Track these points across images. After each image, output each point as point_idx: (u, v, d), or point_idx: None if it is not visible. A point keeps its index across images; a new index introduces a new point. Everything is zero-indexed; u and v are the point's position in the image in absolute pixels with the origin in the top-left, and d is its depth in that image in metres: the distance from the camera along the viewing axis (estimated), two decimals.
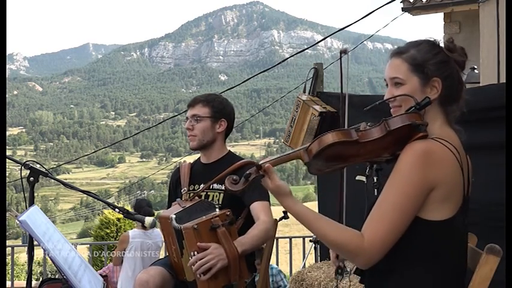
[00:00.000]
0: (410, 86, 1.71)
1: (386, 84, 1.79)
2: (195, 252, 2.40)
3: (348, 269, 2.26)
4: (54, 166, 68.26)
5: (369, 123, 1.68)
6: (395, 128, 1.61)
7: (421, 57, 1.72)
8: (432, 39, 1.78)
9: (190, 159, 3.10)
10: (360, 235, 1.60)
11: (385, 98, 1.77)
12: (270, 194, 1.80)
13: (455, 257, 1.69)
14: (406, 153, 1.61)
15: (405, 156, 1.61)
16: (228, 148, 2.96)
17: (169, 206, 2.93)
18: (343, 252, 1.66)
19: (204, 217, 2.47)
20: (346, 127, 1.77)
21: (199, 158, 2.97)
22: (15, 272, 9.05)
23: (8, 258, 7.13)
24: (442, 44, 1.77)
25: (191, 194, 2.77)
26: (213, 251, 2.39)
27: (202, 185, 2.79)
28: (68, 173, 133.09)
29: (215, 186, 2.75)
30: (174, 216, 2.50)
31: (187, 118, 2.86)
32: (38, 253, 7.22)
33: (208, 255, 2.37)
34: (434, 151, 1.61)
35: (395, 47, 1.85)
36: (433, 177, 1.58)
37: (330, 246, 1.67)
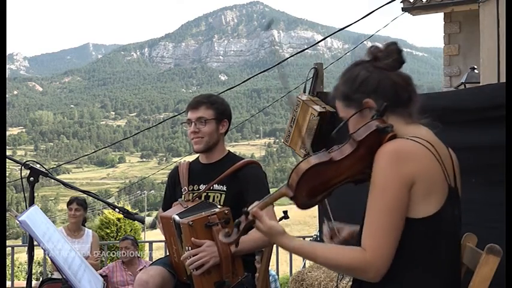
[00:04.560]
0: (352, 118, 1.76)
1: None
2: (189, 248, 2.44)
3: None
4: (54, 166, 68.28)
5: (339, 145, 1.71)
6: (363, 138, 1.63)
7: (347, 90, 1.77)
8: (356, 60, 1.81)
9: (191, 159, 3.08)
10: (361, 250, 1.60)
11: (342, 122, 1.80)
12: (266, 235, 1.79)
13: (449, 251, 1.68)
14: (377, 158, 1.62)
15: (377, 161, 1.62)
16: (228, 148, 2.96)
17: (165, 204, 2.94)
18: (351, 272, 1.66)
19: (203, 213, 2.49)
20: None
21: (197, 157, 2.95)
22: (15, 272, 9.05)
23: (8, 258, 7.12)
24: (368, 55, 1.78)
25: (192, 195, 2.76)
26: (205, 248, 2.42)
27: (202, 185, 2.78)
28: (68, 173, 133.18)
29: (216, 187, 2.74)
30: (176, 217, 2.51)
31: (189, 120, 2.81)
32: (38, 253, 7.21)
33: (200, 252, 2.41)
34: (403, 147, 1.62)
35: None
36: (408, 172, 1.59)
37: (336, 270, 1.68)
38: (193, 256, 2.41)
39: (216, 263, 2.41)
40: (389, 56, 1.75)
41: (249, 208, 1.75)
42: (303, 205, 1.71)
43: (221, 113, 2.81)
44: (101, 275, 3.51)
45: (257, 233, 2.55)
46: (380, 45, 1.78)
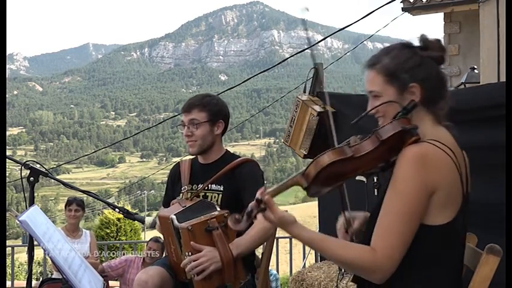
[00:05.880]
0: (387, 98, 1.69)
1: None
2: (189, 253, 2.41)
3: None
4: (54, 166, 68.23)
5: (358, 136, 1.68)
6: (387, 138, 1.60)
7: (394, 66, 1.69)
8: (405, 42, 1.75)
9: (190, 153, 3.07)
10: (371, 250, 1.58)
11: (367, 110, 1.76)
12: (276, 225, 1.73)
13: (456, 258, 1.68)
14: (401, 160, 1.59)
15: (401, 164, 1.59)
16: (228, 148, 2.95)
17: (165, 200, 2.94)
18: (358, 271, 1.64)
19: (202, 217, 2.47)
20: (335, 140, 1.77)
21: (196, 157, 2.95)
22: (15, 272, 9.05)
23: (8, 258, 7.12)
24: (417, 43, 1.73)
25: (190, 194, 2.76)
26: (206, 253, 2.39)
27: (200, 185, 2.76)
28: (68, 173, 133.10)
29: (213, 187, 2.73)
30: (174, 216, 2.50)
31: (182, 122, 2.79)
32: (38, 253, 7.22)
33: (201, 257, 2.38)
34: (429, 154, 1.58)
35: None
36: (431, 180, 1.57)
37: (342, 266, 1.64)
38: (194, 262, 2.38)
39: (218, 268, 2.38)
40: (438, 49, 1.71)
41: (260, 195, 1.68)
42: (314, 195, 1.71)
43: (215, 114, 2.76)
44: (101, 274, 3.48)
45: (253, 230, 2.55)
46: (429, 36, 1.73)
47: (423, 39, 1.72)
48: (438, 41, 1.73)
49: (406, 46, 1.73)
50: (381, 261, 1.56)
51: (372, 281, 1.62)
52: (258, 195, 1.67)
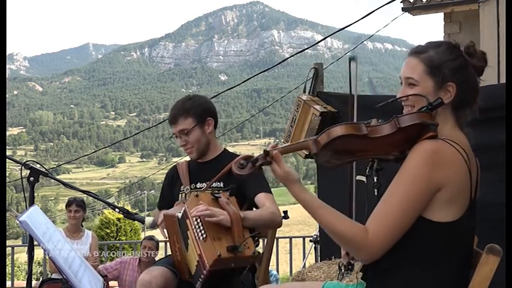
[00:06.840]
0: (423, 88, 1.71)
1: (401, 82, 1.79)
2: (198, 219, 2.39)
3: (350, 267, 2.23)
4: (54, 166, 68.30)
5: (380, 120, 1.68)
6: (405, 126, 1.61)
7: (439, 60, 1.71)
8: (453, 42, 1.77)
9: (189, 158, 3.09)
10: (364, 229, 1.60)
11: (398, 96, 1.77)
12: (279, 181, 1.77)
13: (458, 260, 1.68)
14: (415, 151, 1.61)
15: (414, 155, 1.61)
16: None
17: (161, 202, 2.97)
18: (347, 245, 1.67)
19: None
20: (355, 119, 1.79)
21: None
22: (15, 272, 9.06)
23: (8, 258, 7.13)
24: (462, 48, 1.74)
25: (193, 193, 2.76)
26: (214, 209, 2.42)
27: (199, 183, 2.80)
28: (68, 173, 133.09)
29: (214, 184, 2.74)
30: (180, 214, 2.50)
31: (174, 134, 2.84)
32: (38, 253, 7.23)
33: (211, 209, 2.40)
34: (443, 151, 1.61)
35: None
36: (440, 177, 1.58)
37: (333, 237, 1.66)
38: (203, 211, 2.39)
39: (227, 223, 2.39)
40: (481, 61, 1.74)
41: (269, 148, 1.72)
42: (323, 163, 1.74)
43: (200, 116, 2.80)
44: (101, 274, 3.49)
45: (260, 210, 2.56)
46: (475, 46, 1.75)
47: (470, 46, 1.74)
48: (484, 53, 1.76)
49: (454, 46, 1.75)
50: (371, 242, 1.58)
51: (358, 259, 1.67)
52: (267, 148, 1.71)
